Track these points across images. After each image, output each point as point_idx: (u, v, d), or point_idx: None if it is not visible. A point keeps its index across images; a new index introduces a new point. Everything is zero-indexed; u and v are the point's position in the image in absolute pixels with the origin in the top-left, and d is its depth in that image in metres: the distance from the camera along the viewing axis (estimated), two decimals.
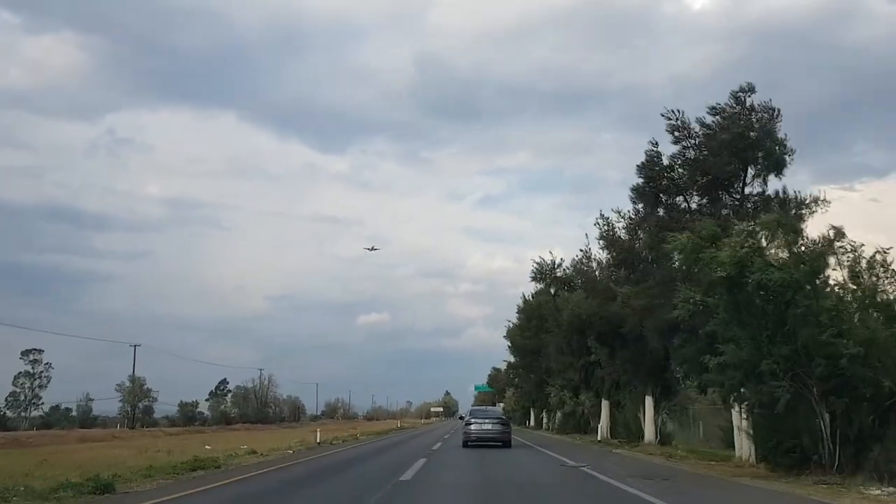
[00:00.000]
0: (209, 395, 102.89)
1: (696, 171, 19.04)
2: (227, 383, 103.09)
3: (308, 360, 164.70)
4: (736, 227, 14.57)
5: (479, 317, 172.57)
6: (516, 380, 71.15)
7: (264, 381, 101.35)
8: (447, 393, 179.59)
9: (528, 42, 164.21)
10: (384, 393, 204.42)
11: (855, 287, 14.67)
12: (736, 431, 19.13)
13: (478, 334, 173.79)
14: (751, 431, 16.92)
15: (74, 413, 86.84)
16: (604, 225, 24.89)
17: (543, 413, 61.40)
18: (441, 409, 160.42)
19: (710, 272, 14.02)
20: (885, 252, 14.59)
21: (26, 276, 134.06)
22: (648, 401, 28.05)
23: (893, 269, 14.60)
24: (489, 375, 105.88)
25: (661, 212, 20.14)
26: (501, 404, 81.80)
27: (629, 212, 22.13)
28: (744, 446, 18.37)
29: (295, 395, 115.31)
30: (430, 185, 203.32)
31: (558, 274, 39.54)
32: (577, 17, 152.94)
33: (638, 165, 19.86)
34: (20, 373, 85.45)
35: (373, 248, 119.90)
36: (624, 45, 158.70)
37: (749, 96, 18.47)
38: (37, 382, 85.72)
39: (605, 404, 34.95)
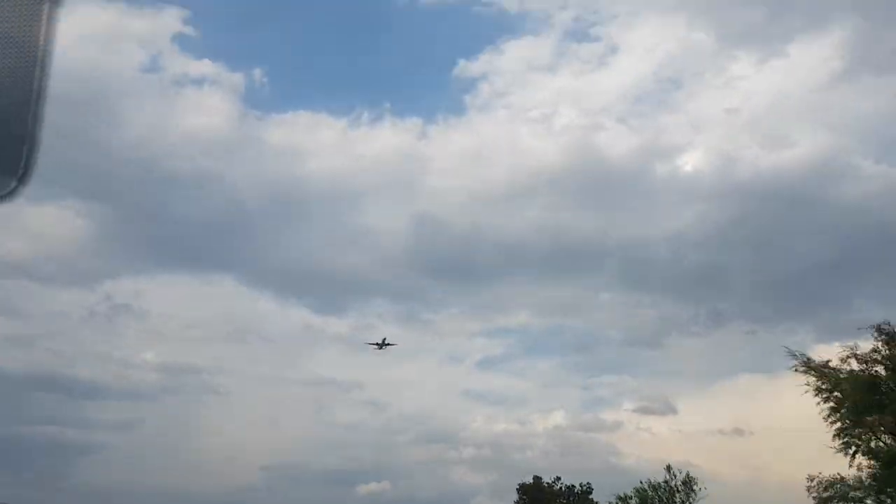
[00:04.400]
0: None
1: None
2: None
3: None
4: None
5: (484, 484, 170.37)
6: None
7: None
8: None
9: (522, 202, 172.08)
10: None
11: None
12: None
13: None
14: None
15: None
16: None
17: None
18: None
19: None
20: None
21: (15, 451, 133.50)
22: None
23: None
24: None
25: None
26: None
27: None
28: None
29: None
30: (430, 346, 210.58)
31: None
32: (570, 177, 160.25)
33: None
34: None
35: (382, 345, 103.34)
36: (618, 205, 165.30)
37: None
38: None
39: None
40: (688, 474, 63.15)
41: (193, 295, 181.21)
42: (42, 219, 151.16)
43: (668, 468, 63.65)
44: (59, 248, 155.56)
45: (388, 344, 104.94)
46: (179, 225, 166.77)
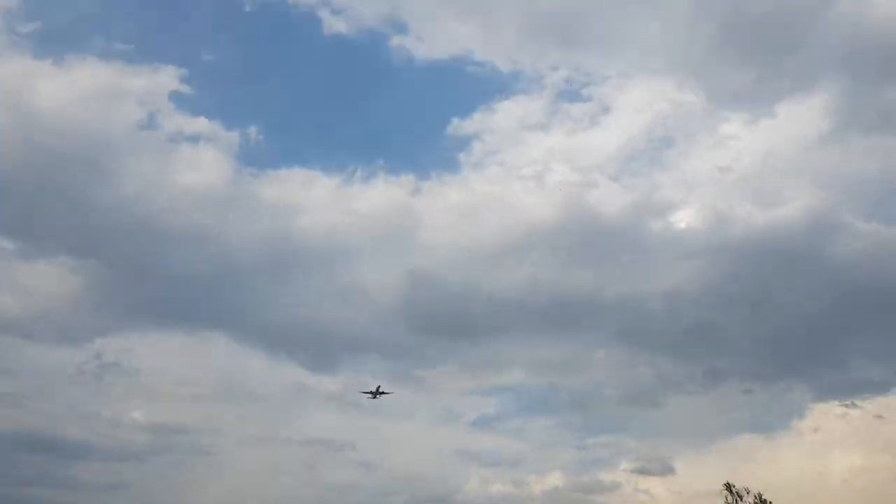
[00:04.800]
0: None
1: None
2: None
3: None
4: None
5: None
6: None
7: None
8: None
9: (515, 258, 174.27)
10: None
11: None
12: None
13: None
14: None
15: None
16: None
17: None
18: None
19: None
20: None
21: None
22: None
23: None
24: None
25: None
26: None
27: None
28: None
29: None
30: (424, 404, 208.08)
31: None
32: (563, 233, 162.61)
33: None
34: None
35: (377, 393, 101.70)
36: (612, 261, 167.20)
37: None
38: None
39: None
40: None
41: (184, 352, 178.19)
42: (34, 276, 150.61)
43: None
44: (50, 305, 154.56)
45: (383, 392, 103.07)
46: (172, 281, 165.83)
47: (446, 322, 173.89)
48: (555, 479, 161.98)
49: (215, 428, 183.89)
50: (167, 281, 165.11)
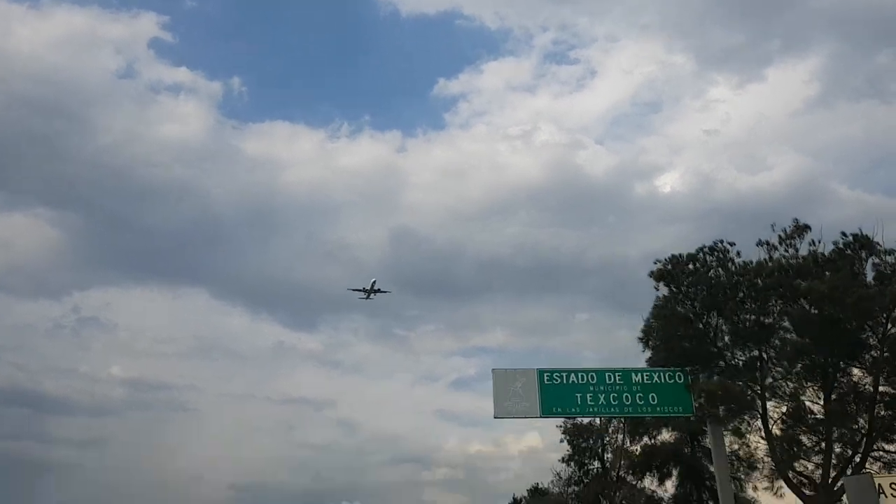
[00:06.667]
0: None
1: None
2: None
3: None
4: None
5: None
6: None
7: None
8: None
9: (501, 219, 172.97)
10: None
11: None
12: None
13: None
14: None
15: None
16: None
17: None
18: None
19: None
20: None
21: None
22: None
23: None
24: None
25: None
26: None
27: None
28: None
29: None
30: (404, 365, 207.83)
31: None
32: (549, 195, 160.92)
33: None
34: None
35: (371, 291, 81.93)
36: (597, 223, 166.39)
37: None
38: None
39: None
40: None
41: (163, 308, 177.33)
42: (10, 228, 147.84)
43: None
44: (26, 258, 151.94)
45: (379, 290, 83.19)
46: (151, 236, 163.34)
47: (429, 282, 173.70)
48: (533, 440, 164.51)
49: (194, 385, 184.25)
50: (146, 235, 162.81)
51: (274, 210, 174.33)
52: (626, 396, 27.42)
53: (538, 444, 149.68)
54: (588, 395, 27.52)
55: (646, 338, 27.84)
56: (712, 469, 30.86)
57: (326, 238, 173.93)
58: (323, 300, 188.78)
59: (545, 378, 28.06)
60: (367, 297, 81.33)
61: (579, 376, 27.91)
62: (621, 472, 38.99)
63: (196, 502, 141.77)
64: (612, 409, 28.17)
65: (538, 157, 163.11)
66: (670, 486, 38.00)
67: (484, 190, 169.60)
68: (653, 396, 27.35)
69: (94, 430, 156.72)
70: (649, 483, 38.42)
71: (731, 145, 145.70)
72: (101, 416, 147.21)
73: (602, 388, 27.63)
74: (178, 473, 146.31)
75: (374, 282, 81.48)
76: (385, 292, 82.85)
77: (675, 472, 37.98)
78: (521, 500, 47.44)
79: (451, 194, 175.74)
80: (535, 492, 47.15)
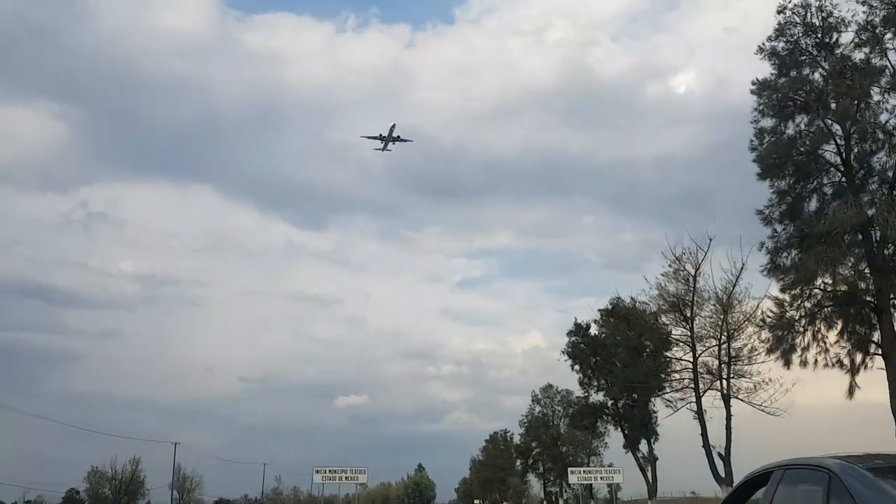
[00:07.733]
0: None
1: None
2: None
3: (283, 443, 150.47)
4: None
5: (461, 400, 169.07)
6: None
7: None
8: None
9: (509, 119, 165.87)
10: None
11: None
12: None
13: (460, 419, 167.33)
14: None
15: None
16: None
17: None
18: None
19: None
20: None
21: None
22: None
23: None
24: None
25: None
26: None
27: None
28: None
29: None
30: (411, 264, 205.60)
31: None
32: (559, 96, 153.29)
33: None
34: None
35: (389, 139, 68.14)
36: (607, 125, 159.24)
37: None
38: None
39: None
40: None
41: (170, 204, 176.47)
42: (13, 121, 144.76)
43: None
44: (31, 151, 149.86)
45: (399, 138, 69.74)
46: (154, 131, 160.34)
47: (435, 182, 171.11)
48: (535, 339, 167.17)
49: (204, 281, 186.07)
50: (149, 130, 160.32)
51: (279, 108, 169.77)
52: None
53: (541, 343, 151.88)
54: None
55: None
56: None
57: (333, 137, 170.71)
58: (331, 200, 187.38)
59: None
60: (384, 148, 70.34)
61: None
62: None
63: (207, 392, 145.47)
64: None
65: (549, 56, 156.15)
66: None
67: (492, 89, 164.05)
68: None
69: (108, 322, 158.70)
70: None
71: (751, 43, 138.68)
72: (113, 310, 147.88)
73: None
74: (190, 364, 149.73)
75: (394, 126, 69.53)
76: (407, 141, 71.81)
77: None
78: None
79: (459, 93, 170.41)
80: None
